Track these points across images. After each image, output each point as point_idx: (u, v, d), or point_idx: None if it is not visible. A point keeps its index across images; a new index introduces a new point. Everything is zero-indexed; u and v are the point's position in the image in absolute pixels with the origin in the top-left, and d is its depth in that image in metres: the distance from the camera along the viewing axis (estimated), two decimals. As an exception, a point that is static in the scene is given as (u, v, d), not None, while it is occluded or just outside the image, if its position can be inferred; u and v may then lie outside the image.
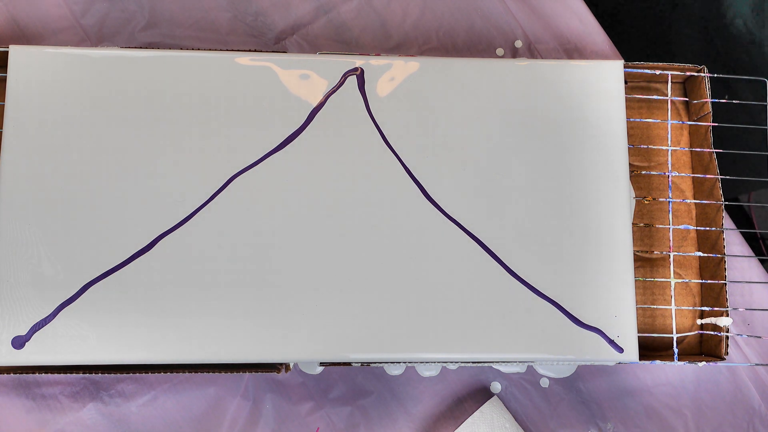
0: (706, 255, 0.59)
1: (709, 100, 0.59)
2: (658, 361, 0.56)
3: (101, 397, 0.58)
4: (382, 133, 0.55)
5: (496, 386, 0.60)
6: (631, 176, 0.58)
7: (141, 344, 0.52)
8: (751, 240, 0.64)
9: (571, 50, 0.65)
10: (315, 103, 0.55)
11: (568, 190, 0.55)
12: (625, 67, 0.58)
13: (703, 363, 0.56)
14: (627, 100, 0.58)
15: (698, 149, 0.60)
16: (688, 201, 0.60)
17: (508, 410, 0.58)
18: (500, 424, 0.57)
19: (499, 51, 0.65)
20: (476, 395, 0.60)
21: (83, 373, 0.56)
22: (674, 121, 0.61)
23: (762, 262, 0.63)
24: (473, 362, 0.56)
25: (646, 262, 0.61)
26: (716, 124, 0.59)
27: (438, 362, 0.58)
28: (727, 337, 0.57)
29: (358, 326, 0.53)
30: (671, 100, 0.62)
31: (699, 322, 0.59)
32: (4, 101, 0.55)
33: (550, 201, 0.55)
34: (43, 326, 0.51)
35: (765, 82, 0.61)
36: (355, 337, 0.53)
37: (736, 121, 0.69)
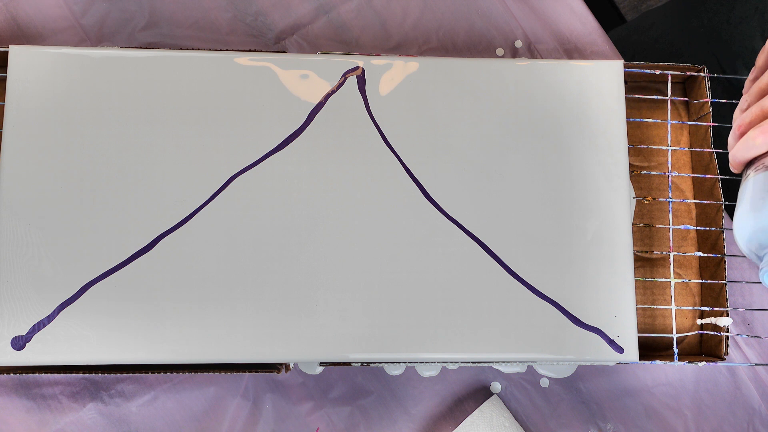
0: (706, 255, 0.59)
1: (709, 100, 0.59)
2: (658, 361, 0.56)
3: (101, 397, 0.58)
4: (382, 133, 0.55)
5: (496, 386, 0.60)
6: (631, 176, 0.58)
7: (141, 344, 0.52)
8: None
9: (571, 50, 0.65)
10: (315, 103, 0.55)
11: (568, 190, 0.55)
12: (625, 67, 0.58)
13: (703, 363, 0.56)
14: (627, 100, 0.58)
15: (698, 149, 0.60)
16: (688, 201, 0.60)
17: (507, 409, 0.58)
18: (500, 423, 0.57)
19: (499, 51, 0.65)
20: (476, 395, 0.60)
21: (83, 373, 0.56)
22: (674, 121, 0.61)
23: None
24: (473, 362, 0.56)
25: (646, 262, 0.61)
26: (716, 124, 0.59)
27: (438, 362, 0.58)
28: (727, 337, 0.57)
29: (358, 326, 0.53)
30: (671, 100, 0.62)
31: (699, 322, 0.59)
32: (4, 101, 0.55)
33: (549, 201, 0.55)
34: (43, 326, 0.51)
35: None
36: (355, 337, 0.53)
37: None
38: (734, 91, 0.72)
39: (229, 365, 0.55)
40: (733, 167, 0.48)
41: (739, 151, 0.46)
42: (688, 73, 0.61)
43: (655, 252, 0.60)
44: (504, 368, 0.60)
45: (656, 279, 0.59)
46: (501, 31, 0.65)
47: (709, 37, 0.73)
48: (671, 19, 0.79)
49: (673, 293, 0.58)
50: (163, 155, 0.54)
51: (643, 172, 0.60)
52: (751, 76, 0.49)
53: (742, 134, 0.47)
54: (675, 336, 0.56)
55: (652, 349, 0.60)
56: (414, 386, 0.59)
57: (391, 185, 0.55)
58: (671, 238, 0.58)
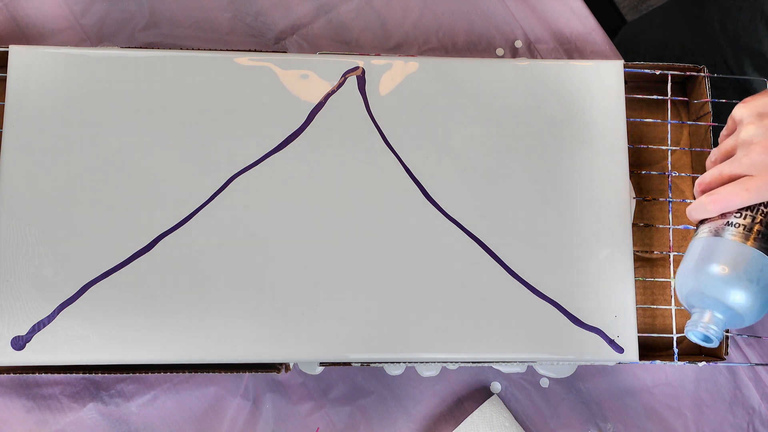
0: (706, 255, 0.59)
1: (709, 100, 0.59)
2: (658, 361, 0.56)
3: (101, 397, 0.58)
4: (382, 133, 0.55)
5: (496, 386, 0.60)
6: (631, 176, 0.58)
7: (141, 344, 0.52)
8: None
9: (571, 50, 0.65)
10: (315, 103, 0.55)
11: (568, 190, 0.55)
12: (625, 67, 0.58)
13: (703, 363, 0.56)
14: (627, 100, 0.58)
15: (698, 149, 0.60)
16: (688, 201, 0.60)
17: (507, 409, 0.58)
18: (500, 423, 0.57)
19: (499, 51, 0.65)
20: (476, 395, 0.60)
21: (83, 373, 0.56)
22: (674, 121, 0.61)
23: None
24: (473, 362, 0.56)
25: (646, 262, 0.61)
26: (716, 124, 0.59)
27: (438, 362, 0.58)
28: (727, 337, 0.57)
29: (358, 326, 0.53)
30: (671, 100, 0.62)
31: (699, 322, 0.59)
32: (4, 101, 0.55)
33: (549, 201, 0.55)
34: (43, 326, 0.51)
35: (766, 82, 0.61)
36: (355, 337, 0.53)
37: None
38: (742, 90, 0.72)
39: (229, 365, 0.55)
40: (690, 219, 0.51)
41: (693, 210, 0.49)
42: (688, 73, 0.61)
43: (655, 252, 0.60)
44: (504, 368, 0.59)
45: (656, 279, 0.59)
46: (501, 31, 0.65)
47: (716, 36, 0.74)
48: (678, 19, 0.79)
49: (673, 293, 0.58)
50: (163, 155, 0.54)
51: (643, 172, 0.60)
52: (724, 131, 0.51)
53: (702, 191, 0.50)
54: (675, 336, 0.56)
55: (652, 349, 0.60)
56: (414, 386, 0.59)
57: (391, 185, 0.55)
58: (671, 238, 0.58)
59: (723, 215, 0.48)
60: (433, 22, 0.65)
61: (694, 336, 0.47)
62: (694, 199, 0.61)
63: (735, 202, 0.46)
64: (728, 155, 0.49)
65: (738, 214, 0.47)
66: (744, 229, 0.47)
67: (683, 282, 0.48)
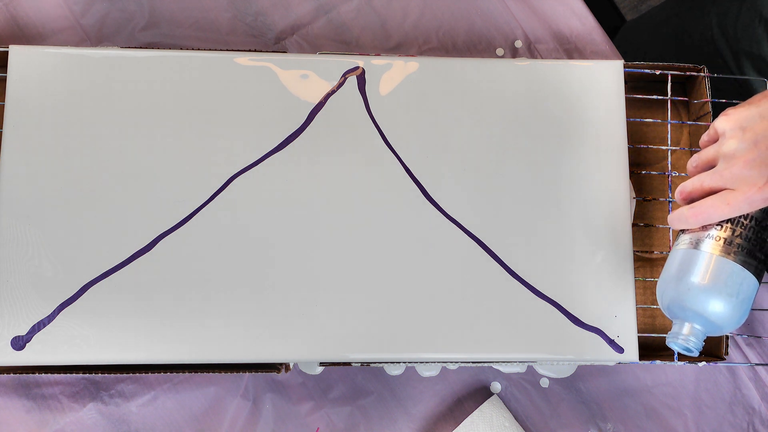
0: (706, 255, 0.59)
1: (709, 100, 0.59)
2: (658, 361, 0.56)
3: (101, 397, 0.58)
4: (382, 133, 0.55)
5: (496, 386, 0.60)
6: (631, 176, 0.58)
7: (141, 344, 0.52)
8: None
9: (571, 50, 0.65)
10: (315, 103, 0.55)
11: (568, 190, 0.55)
12: (625, 67, 0.58)
13: (703, 363, 0.56)
14: (627, 100, 0.58)
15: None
16: (688, 201, 0.60)
17: (507, 409, 0.58)
18: (500, 423, 0.57)
19: (499, 51, 0.65)
20: (476, 395, 0.60)
21: (83, 373, 0.56)
22: (674, 121, 0.61)
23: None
24: (473, 362, 0.56)
25: (646, 262, 0.61)
26: (716, 124, 0.59)
27: (438, 362, 0.58)
28: (727, 337, 0.57)
29: (358, 326, 0.53)
30: (671, 100, 0.62)
31: (699, 322, 0.59)
32: (4, 101, 0.55)
33: (549, 201, 0.55)
34: (43, 326, 0.51)
35: (766, 82, 0.61)
36: (355, 337, 0.53)
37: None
38: (742, 91, 0.72)
39: (229, 365, 0.55)
40: (671, 228, 0.52)
41: (673, 220, 0.50)
42: (688, 73, 0.61)
43: (655, 252, 0.60)
44: (504, 368, 0.59)
45: (656, 279, 0.59)
46: (501, 31, 0.65)
47: (715, 37, 0.74)
48: (677, 20, 0.79)
49: (673, 293, 0.58)
50: (163, 155, 0.54)
51: (643, 172, 0.60)
52: (705, 138, 0.51)
53: (683, 200, 0.50)
54: (675, 336, 0.56)
55: (652, 349, 0.60)
56: (414, 386, 0.59)
57: (391, 185, 0.55)
58: (671, 238, 0.58)
59: (704, 227, 0.48)
60: (433, 22, 0.65)
61: (675, 346, 0.48)
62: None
63: (715, 215, 0.47)
64: (709, 164, 0.49)
65: (718, 227, 0.48)
66: (724, 242, 0.47)
67: (664, 292, 0.49)
